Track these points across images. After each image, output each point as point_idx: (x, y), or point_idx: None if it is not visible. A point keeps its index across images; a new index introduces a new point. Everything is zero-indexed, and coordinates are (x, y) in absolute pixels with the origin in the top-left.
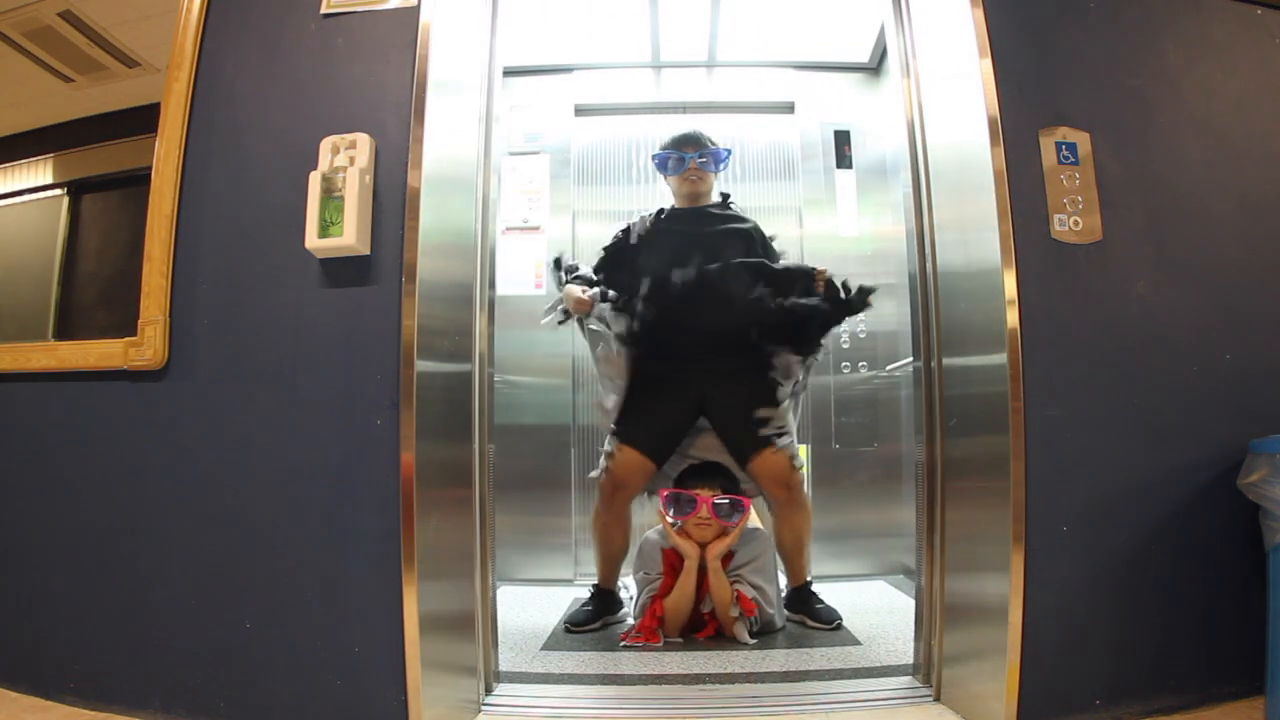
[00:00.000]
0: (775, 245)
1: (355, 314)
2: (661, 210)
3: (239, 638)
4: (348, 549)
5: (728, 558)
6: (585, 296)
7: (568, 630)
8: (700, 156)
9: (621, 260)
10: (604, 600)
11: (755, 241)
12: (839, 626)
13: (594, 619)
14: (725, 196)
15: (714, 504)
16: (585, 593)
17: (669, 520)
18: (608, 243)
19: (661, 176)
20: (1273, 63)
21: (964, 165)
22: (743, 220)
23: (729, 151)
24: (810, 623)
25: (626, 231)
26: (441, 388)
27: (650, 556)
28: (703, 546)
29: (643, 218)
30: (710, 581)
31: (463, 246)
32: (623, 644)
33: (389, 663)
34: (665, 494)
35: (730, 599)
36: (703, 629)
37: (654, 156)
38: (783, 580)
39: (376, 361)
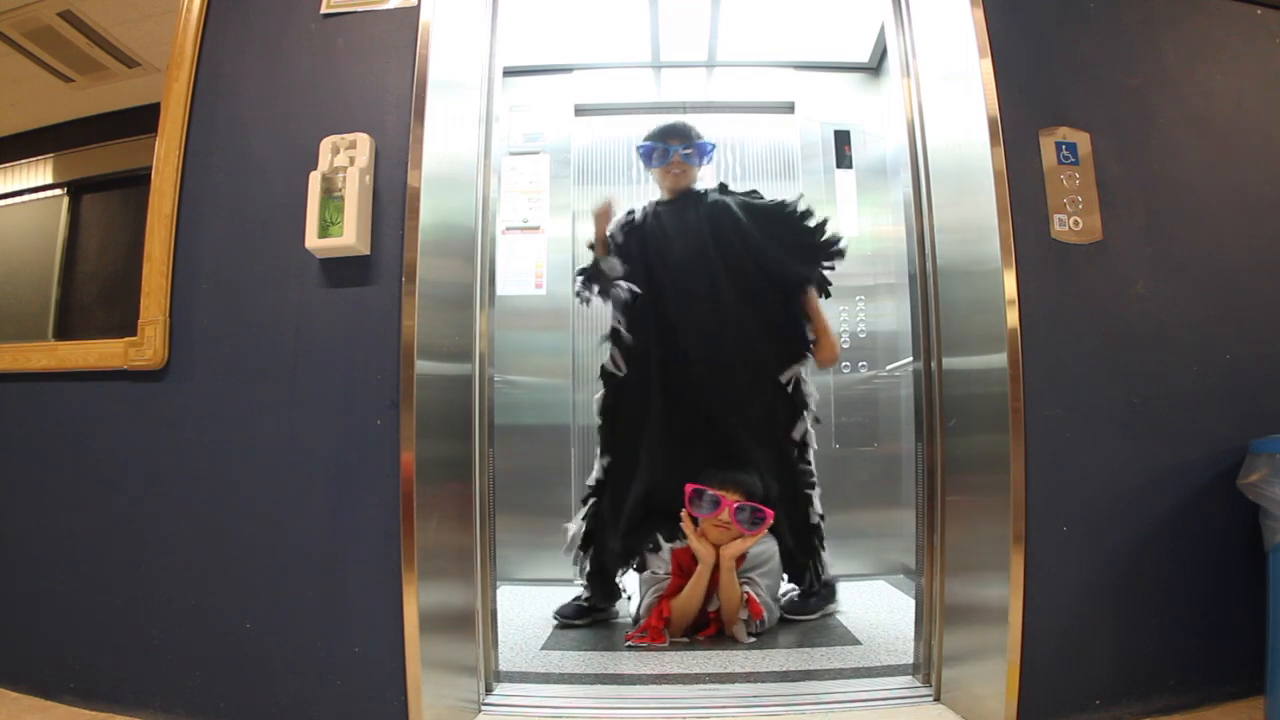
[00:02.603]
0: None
1: (355, 314)
2: (645, 208)
3: (239, 638)
4: (348, 549)
5: (740, 558)
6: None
7: (555, 619)
8: (685, 149)
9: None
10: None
11: (736, 213)
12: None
13: (584, 614)
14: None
15: (736, 509)
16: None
17: (690, 515)
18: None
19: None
20: (1273, 63)
21: (964, 165)
22: (718, 202)
23: (714, 145)
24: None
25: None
26: (441, 387)
27: (659, 555)
28: (716, 546)
29: (635, 214)
30: (722, 581)
31: (463, 246)
32: (628, 644)
33: (389, 663)
34: (691, 488)
35: (740, 601)
36: (706, 628)
37: (638, 147)
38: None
39: (376, 361)
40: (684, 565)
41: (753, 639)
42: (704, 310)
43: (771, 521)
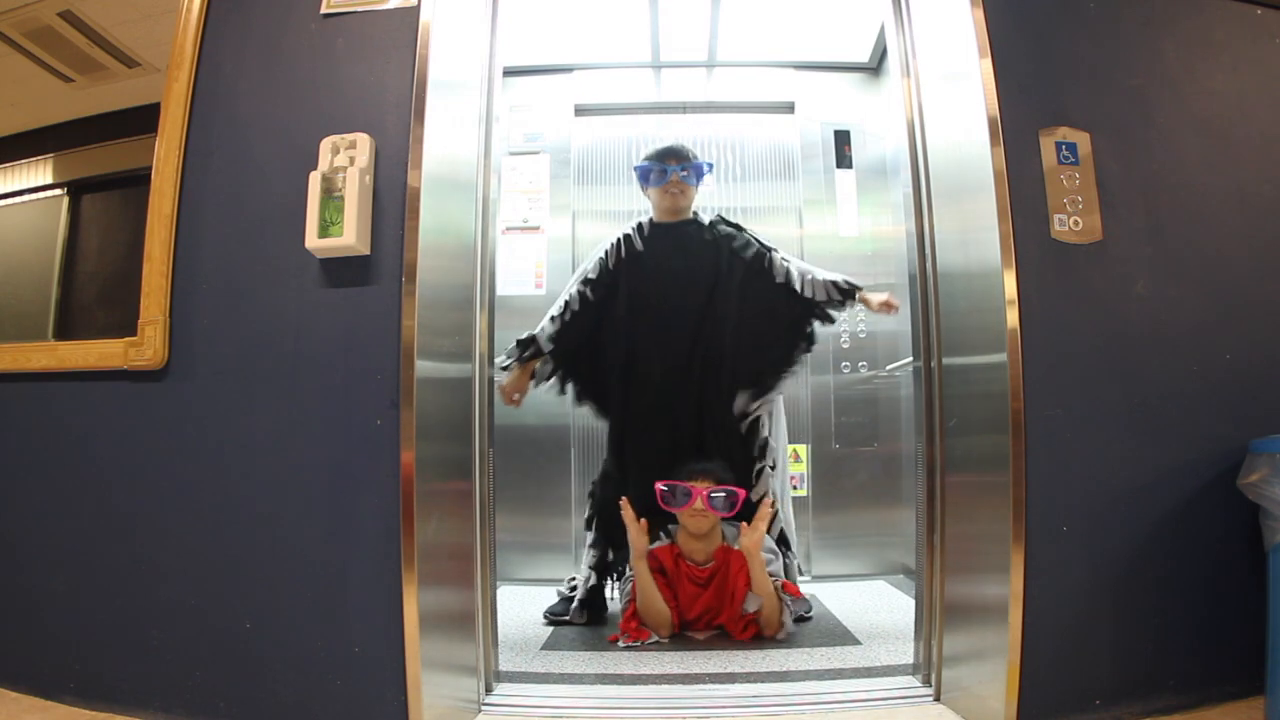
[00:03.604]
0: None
1: (355, 314)
2: (641, 226)
3: (239, 637)
4: (348, 549)
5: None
6: (515, 396)
7: (545, 618)
8: (682, 170)
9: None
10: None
11: (724, 257)
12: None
13: (569, 612)
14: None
15: (709, 496)
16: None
17: (666, 507)
18: (593, 272)
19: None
20: (1273, 63)
21: (964, 165)
22: (718, 236)
23: (710, 165)
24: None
25: (619, 249)
26: (441, 388)
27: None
28: (700, 538)
29: (624, 238)
30: (754, 577)
31: (463, 246)
32: (622, 645)
33: (389, 663)
34: (660, 486)
35: (776, 590)
36: (747, 629)
37: (636, 168)
38: None
39: (376, 361)
40: (664, 565)
41: (795, 627)
42: (682, 347)
43: (743, 497)
